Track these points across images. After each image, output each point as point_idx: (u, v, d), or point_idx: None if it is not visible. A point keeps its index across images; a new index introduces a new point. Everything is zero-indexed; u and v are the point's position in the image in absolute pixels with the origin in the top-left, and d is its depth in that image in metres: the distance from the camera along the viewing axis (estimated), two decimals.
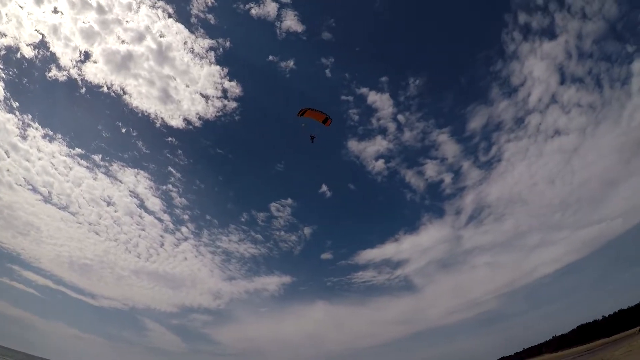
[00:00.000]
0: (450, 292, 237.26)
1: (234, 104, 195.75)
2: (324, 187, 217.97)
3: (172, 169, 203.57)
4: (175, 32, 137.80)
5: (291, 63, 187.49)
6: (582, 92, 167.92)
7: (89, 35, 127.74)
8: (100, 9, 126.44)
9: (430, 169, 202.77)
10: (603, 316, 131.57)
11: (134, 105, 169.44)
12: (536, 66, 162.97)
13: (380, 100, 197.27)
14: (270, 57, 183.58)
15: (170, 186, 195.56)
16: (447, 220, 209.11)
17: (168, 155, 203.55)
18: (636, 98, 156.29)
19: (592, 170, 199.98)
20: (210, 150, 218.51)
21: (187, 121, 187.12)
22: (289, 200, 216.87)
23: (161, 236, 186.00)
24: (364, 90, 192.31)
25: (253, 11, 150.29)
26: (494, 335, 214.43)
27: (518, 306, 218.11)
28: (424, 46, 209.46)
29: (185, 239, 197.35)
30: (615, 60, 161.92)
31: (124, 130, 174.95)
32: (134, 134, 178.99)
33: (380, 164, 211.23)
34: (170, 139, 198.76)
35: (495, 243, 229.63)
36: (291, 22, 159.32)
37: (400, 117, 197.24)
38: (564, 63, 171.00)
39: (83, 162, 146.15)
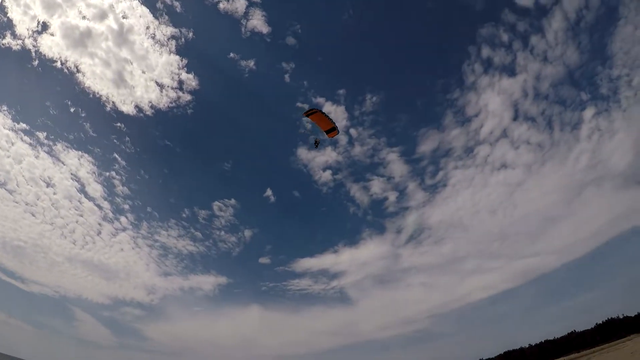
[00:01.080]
0: (385, 307, 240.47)
1: (188, 97, 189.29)
2: (269, 192, 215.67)
3: (117, 156, 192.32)
4: (139, 15, 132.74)
5: (252, 63, 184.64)
6: (533, 131, 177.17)
7: (50, 5, 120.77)
8: None
9: (376, 185, 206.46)
10: (530, 344, 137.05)
11: (86, 85, 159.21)
12: (492, 100, 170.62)
13: (335, 112, 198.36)
14: (232, 55, 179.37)
15: (113, 173, 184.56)
16: (387, 237, 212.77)
17: (115, 141, 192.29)
18: (584, 143, 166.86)
19: (533, 206, 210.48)
20: (159, 141, 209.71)
21: (139, 108, 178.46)
22: (233, 201, 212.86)
23: (99, 224, 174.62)
24: (320, 99, 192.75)
25: (221, 5, 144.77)
26: (425, 353, 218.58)
27: (449, 327, 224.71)
28: (386, 65, 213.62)
29: (124, 229, 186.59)
30: (569, 105, 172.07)
31: (72, 110, 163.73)
32: (83, 115, 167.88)
33: (327, 175, 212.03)
34: (119, 124, 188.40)
35: (433, 265, 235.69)
36: (257, 21, 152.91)
37: (352, 131, 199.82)
38: (520, 101, 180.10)
39: (27, 138, 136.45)
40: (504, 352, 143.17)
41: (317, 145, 31.25)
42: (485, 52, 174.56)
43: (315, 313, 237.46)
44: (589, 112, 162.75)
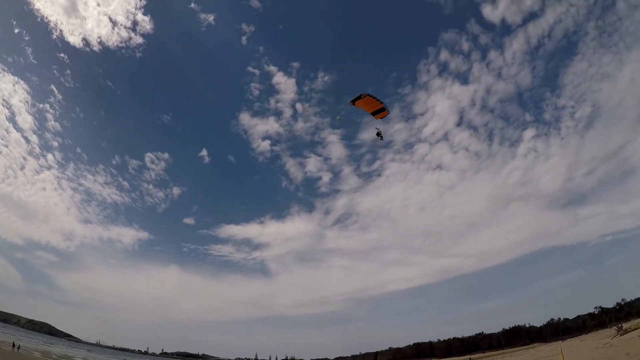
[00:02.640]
0: (303, 286, 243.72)
1: (140, 40, 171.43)
2: (205, 152, 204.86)
3: (55, 88, 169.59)
4: None
5: (211, 18, 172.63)
6: (474, 139, 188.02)
7: None
8: None
9: (313, 163, 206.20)
10: (438, 339, 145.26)
11: (36, 7, 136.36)
12: (441, 103, 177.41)
13: (285, 84, 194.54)
14: (193, 5, 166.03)
15: (47, 106, 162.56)
16: (315, 216, 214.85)
17: (55, 72, 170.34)
18: (519, 160, 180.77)
19: (460, 210, 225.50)
20: (101, 80, 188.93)
21: (87, 42, 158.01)
22: (166, 155, 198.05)
23: (24, 158, 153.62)
24: (272, 68, 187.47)
25: None
26: (336, 336, 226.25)
27: (364, 313, 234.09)
28: (344, 47, 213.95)
29: (49, 167, 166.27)
30: (512, 123, 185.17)
31: (16, 31, 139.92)
32: (27, 39, 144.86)
33: (265, 145, 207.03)
34: (62, 55, 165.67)
35: (356, 250, 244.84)
36: None
37: (298, 106, 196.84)
38: (466, 109, 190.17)
39: None
40: (414, 344, 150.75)
41: (381, 137, 27.86)
42: (444, 56, 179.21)
43: (233, 281, 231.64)
44: (529, 133, 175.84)
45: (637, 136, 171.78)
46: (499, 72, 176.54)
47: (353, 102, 25.46)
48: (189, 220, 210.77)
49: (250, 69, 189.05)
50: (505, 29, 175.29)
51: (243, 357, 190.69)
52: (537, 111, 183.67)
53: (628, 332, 49.63)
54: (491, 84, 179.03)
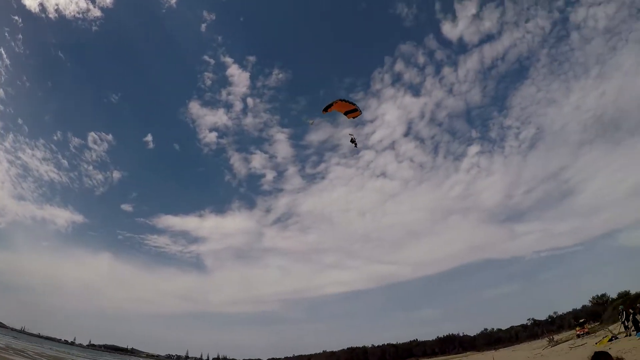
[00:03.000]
0: (238, 283, 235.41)
1: (98, 13, 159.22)
2: (150, 137, 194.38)
3: (3, 52, 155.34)
4: None
5: (173, 1, 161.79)
6: (419, 151, 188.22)
7: None
8: None
9: (258, 160, 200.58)
10: (372, 345, 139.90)
11: None
12: (391, 112, 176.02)
13: (239, 77, 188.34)
14: None
15: None
16: (255, 214, 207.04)
17: (6, 34, 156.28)
18: (461, 175, 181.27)
19: (401, 218, 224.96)
20: (52, 50, 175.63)
21: (43, 8, 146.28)
22: (110, 136, 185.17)
23: None
24: (228, 59, 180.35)
25: None
26: (270, 336, 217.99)
27: (299, 314, 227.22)
28: (302, 46, 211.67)
29: None
30: (458, 138, 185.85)
31: None
32: None
33: (212, 137, 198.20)
34: (16, 18, 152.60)
35: (294, 251, 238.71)
36: None
37: (250, 100, 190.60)
38: (415, 120, 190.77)
39: None
40: (348, 348, 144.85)
41: (355, 144, 26.69)
42: (399, 67, 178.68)
43: (167, 274, 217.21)
44: (474, 149, 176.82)
45: (576, 160, 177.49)
46: (451, 88, 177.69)
47: (326, 109, 23.97)
48: (126, 207, 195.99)
49: (206, 57, 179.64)
50: (461, 47, 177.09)
51: (174, 354, 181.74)
52: (483, 129, 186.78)
53: (559, 343, 46.23)
54: (442, 98, 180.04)
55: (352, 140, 26.24)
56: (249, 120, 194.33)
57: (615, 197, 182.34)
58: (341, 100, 24.14)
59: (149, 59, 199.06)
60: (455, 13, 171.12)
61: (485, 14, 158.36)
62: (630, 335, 26.12)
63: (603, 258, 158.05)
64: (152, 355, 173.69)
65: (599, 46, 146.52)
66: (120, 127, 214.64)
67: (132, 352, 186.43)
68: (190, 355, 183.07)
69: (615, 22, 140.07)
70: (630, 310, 27.18)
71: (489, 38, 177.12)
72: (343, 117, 25.30)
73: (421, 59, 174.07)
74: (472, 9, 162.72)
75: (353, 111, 24.56)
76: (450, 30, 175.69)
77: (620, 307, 30.60)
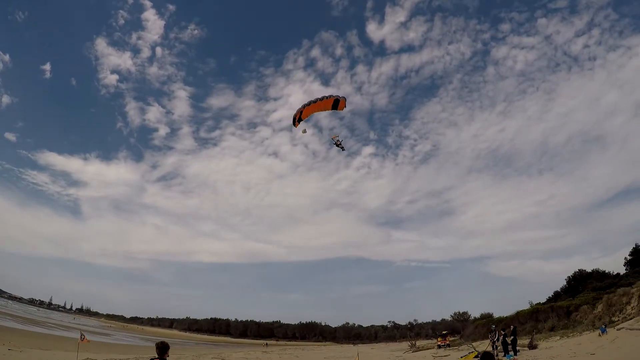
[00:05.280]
0: (112, 235, 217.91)
1: None
2: (48, 66, 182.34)
3: None
4: None
5: None
6: (315, 139, 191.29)
7: None
8: None
9: (154, 113, 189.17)
10: (236, 319, 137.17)
11: None
12: (296, 94, 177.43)
13: (153, 23, 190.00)
14: None
15: None
16: (141, 167, 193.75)
17: None
18: (351, 171, 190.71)
19: (284, 201, 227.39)
20: None
21: None
22: (7, 57, 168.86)
23: None
24: (147, 2, 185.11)
25: None
26: (136, 294, 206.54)
27: (167, 277, 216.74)
28: (226, 9, 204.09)
29: None
30: (357, 135, 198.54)
31: None
32: None
33: (112, 79, 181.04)
34: None
35: (173, 212, 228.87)
36: None
37: (158, 50, 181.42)
38: None
39: None
40: (211, 318, 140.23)
41: (342, 147, 23.09)
42: (315, 53, 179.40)
43: (41, 214, 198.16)
44: (368, 150, 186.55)
45: (463, 184, 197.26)
46: (361, 86, 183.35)
47: (298, 122, 20.23)
48: (10, 136, 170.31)
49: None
50: (381, 50, 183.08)
51: (37, 299, 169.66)
52: (382, 132, 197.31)
53: (420, 350, 47.14)
54: (349, 94, 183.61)
55: (337, 144, 23.19)
56: (153, 70, 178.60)
57: (490, 226, 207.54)
58: (306, 104, 19.78)
59: None
60: (385, 16, 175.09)
61: (412, 25, 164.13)
62: (497, 355, 26.17)
63: (468, 279, 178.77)
64: (15, 297, 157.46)
65: (511, 86, 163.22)
66: (20, 49, 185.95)
67: None
68: (54, 302, 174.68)
69: (532, 69, 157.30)
70: (502, 331, 27.24)
71: (409, 48, 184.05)
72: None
73: (339, 51, 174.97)
74: (401, 17, 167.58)
75: (336, 103, 20.05)
76: (374, 31, 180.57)
77: (493, 325, 31.03)
